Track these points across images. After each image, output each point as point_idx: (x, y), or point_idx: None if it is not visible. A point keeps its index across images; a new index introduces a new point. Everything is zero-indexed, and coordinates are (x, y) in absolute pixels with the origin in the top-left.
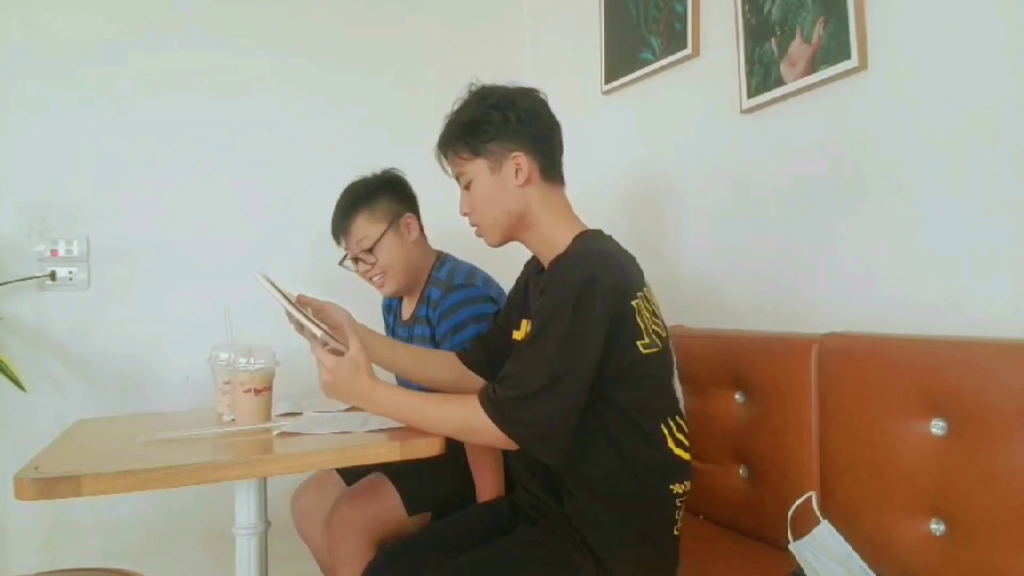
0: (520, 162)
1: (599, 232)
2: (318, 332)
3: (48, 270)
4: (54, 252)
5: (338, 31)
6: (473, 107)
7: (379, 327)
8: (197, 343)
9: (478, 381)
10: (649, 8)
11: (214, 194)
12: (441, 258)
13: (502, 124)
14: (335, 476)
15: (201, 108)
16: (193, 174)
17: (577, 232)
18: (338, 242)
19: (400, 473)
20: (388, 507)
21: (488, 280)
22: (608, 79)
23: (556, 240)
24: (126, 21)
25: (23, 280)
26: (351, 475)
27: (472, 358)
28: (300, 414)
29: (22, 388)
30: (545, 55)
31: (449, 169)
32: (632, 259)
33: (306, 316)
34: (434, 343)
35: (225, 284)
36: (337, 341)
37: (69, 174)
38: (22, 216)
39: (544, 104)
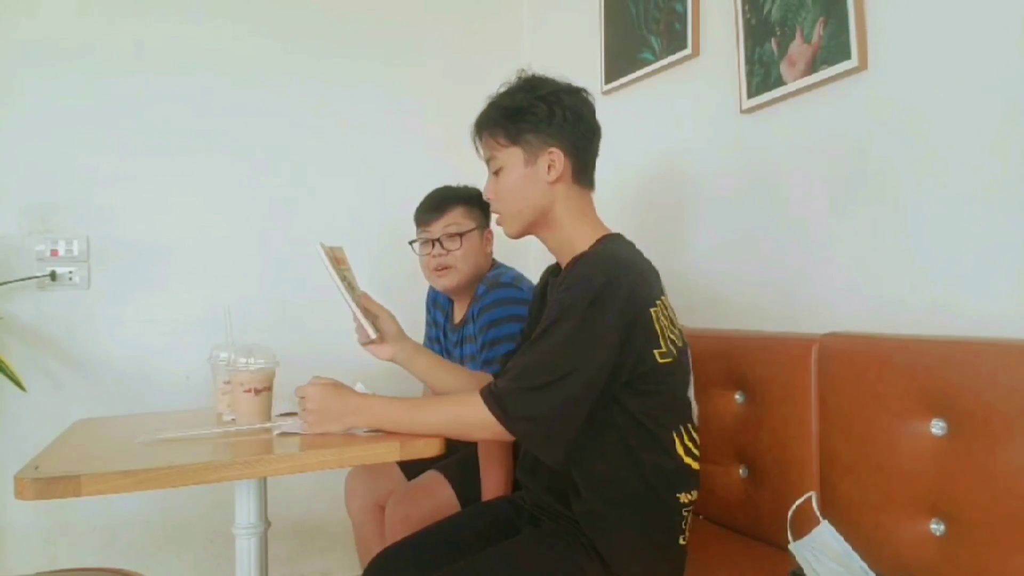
0: (555, 158)
1: (621, 236)
2: (357, 311)
3: (48, 270)
4: (54, 252)
5: (336, 32)
6: (520, 94)
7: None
8: (197, 343)
9: None
10: (649, 8)
11: (214, 194)
12: (495, 265)
13: (546, 117)
14: (391, 464)
15: (202, 108)
16: (193, 174)
17: (600, 235)
18: (422, 223)
19: (453, 470)
20: (442, 503)
21: (533, 288)
22: (608, 79)
23: (576, 242)
24: (126, 22)
25: (23, 280)
26: (407, 465)
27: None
28: None
29: (22, 388)
30: (545, 55)
31: (482, 151)
32: (652, 267)
33: (351, 297)
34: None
35: (225, 284)
36: (367, 325)
37: (69, 174)
38: (22, 216)
39: (591, 108)
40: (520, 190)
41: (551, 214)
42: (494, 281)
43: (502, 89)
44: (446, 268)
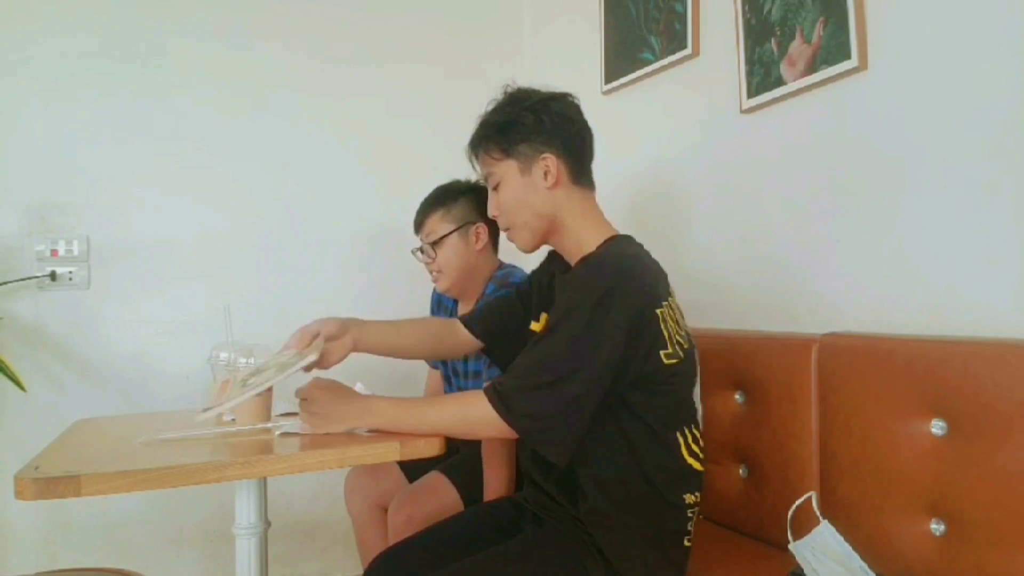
0: (550, 164)
1: (630, 238)
2: (285, 374)
3: (48, 270)
4: (54, 252)
5: (338, 31)
6: (507, 108)
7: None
8: (197, 343)
9: (460, 345)
10: (649, 8)
11: (214, 194)
12: (504, 266)
13: (534, 126)
14: (391, 463)
15: (201, 107)
16: (193, 174)
17: (607, 236)
18: (415, 231)
19: (457, 471)
20: (446, 504)
21: None
22: (608, 79)
23: (584, 243)
24: (126, 22)
25: (23, 280)
26: (408, 465)
27: (483, 323)
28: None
29: (22, 388)
30: (545, 55)
31: (479, 169)
32: (659, 268)
33: (275, 371)
34: None
35: (225, 284)
36: (302, 361)
37: (69, 174)
38: (22, 216)
39: (577, 110)
40: (521, 201)
41: (556, 220)
42: (503, 281)
43: (490, 106)
44: (437, 273)
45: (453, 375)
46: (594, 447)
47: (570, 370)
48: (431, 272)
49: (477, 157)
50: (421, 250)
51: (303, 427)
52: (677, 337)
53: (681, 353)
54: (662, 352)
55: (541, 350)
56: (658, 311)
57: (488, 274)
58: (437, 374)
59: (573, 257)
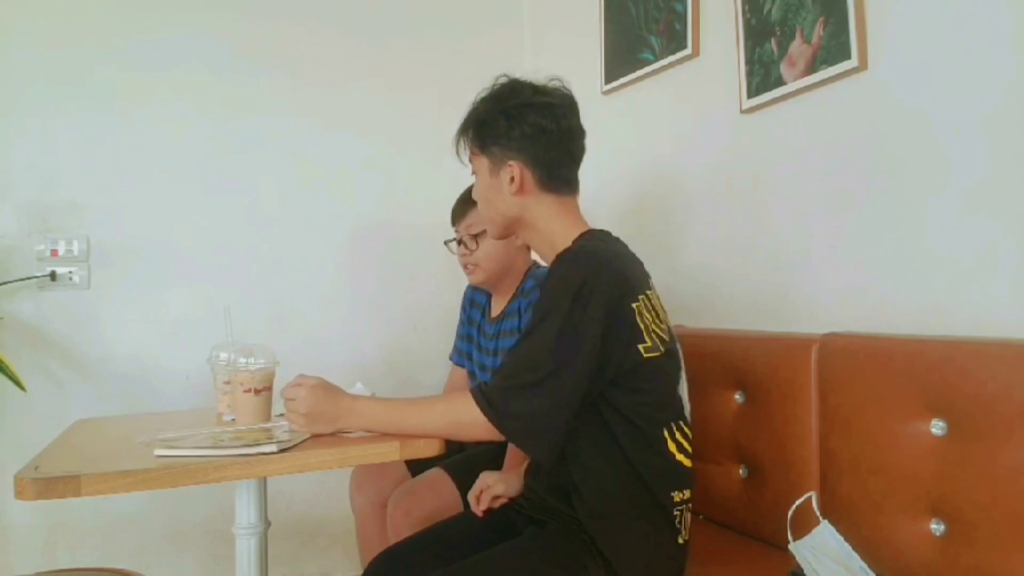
0: (515, 171)
1: (606, 233)
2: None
3: (48, 270)
4: (54, 252)
5: (338, 32)
6: (488, 105)
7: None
8: (197, 343)
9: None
10: (649, 8)
11: (214, 194)
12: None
13: (506, 131)
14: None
15: (201, 108)
16: (193, 174)
17: (580, 232)
18: (451, 222)
19: (458, 468)
20: (446, 501)
21: None
22: (608, 79)
23: (557, 241)
24: (127, 22)
25: (23, 280)
26: (413, 462)
27: None
28: None
29: (22, 388)
30: (545, 55)
31: (462, 155)
32: (636, 261)
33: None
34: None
35: (225, 284)
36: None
37: (69, 174)
38: (22, 216)
39: (557, 119)
40: (489, 199)
41: (523, 221)
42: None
43: (481, 95)
44: (473, 266)
45: (480, 370)
46: (584, 447)
47: (551, 368)
48: (465, 265)
49: (461, 143)
50: (458, 242)
51: (291, 428)
52: (656, 330)
53: (661, 347)
54: (640, 346)
55: (522, 350)
56: (634, 305)
57: (522, 269)
58: (461, 372)
59: (547, 256)
